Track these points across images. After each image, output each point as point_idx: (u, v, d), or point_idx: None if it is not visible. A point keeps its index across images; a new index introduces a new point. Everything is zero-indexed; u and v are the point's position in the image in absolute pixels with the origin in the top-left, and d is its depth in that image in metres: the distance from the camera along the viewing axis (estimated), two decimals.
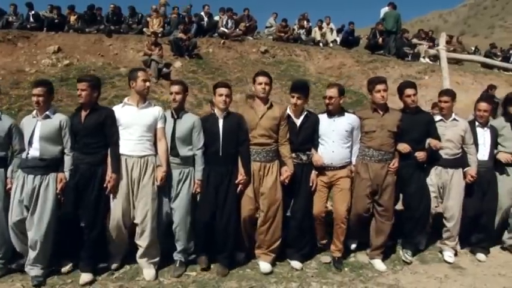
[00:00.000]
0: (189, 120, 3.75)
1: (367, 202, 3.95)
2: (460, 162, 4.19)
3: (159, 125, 3.70)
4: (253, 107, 3.85)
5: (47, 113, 3.56)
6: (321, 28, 14.09)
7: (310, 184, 3.90)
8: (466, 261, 4.26)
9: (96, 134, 3.56)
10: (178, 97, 3.75)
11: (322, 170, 3.92)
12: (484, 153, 4.29)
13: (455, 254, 4.27)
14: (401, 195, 4.25)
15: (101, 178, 3.54)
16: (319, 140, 3.95)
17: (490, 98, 5.78)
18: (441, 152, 4.11)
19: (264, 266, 3.83)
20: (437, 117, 4.28)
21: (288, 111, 3.93)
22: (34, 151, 3.50)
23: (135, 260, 3.75)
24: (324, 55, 12.86)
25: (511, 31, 62.23)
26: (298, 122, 3.91)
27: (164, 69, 9.82)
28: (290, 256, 4.00)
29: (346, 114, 3.98)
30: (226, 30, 12.50)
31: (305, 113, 3.94)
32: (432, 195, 4.11)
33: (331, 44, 13.97)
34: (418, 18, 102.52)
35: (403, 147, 3.94)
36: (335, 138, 3.89)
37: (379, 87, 3.90)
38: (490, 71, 13.10)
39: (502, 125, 4.42)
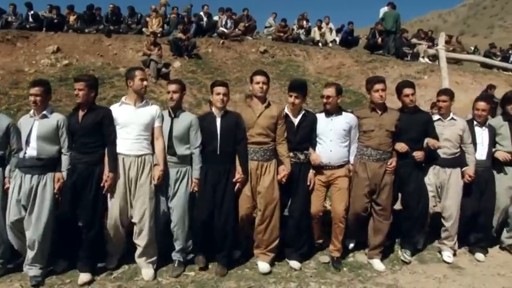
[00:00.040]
0: (186, 119, 3.75)
1: (365, 201, 3.95)
2: (458, 161, 4.19)
3: (157, 124, 3.70)
4: (251, 106, 3.85)
5: (44, 112, 3.55)
6: (320, 28, 14.09)
7: (308, 183, 3.90)
8: (464, 261, 4.26)
9: (93, 134, 3.56)
10: (176, 96, 3.75)
11: (320, 169, 3.92)
12: (482, 153, 4.29)
13: (454, 254, 4.27)
14: (399, 195, 4.25)
15: (99, 178, 3.54)
16: (317, 139, 3.95)
17: (488, 97, 5.78)
18: (439, 152, 4.10)
19: (263, 266, 3.82)
20: (436, 117, 4.28)
21: (286, 110, 3.93)
22: (31, 150, 3.49)
23: (133, 259, 3.75)
24: (323, 55, 12.85)
25: (511, 31, 62.32)
26: (296, 121, 3.91)
27: (163, 69, 9.82)
28: (289, 256, 3.99)
29: (343, 113, 3.99)
30: (225, 30, 12.50)
31: (303, 112, 3.94)
32: (430, 194, 4.10)
33: (330, 44, 13.97)
34: (417, 18, 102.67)
35: (401, 146, 3.94)
36: (333, 137, 3.89)
37: (378, 86, 3.91)
38: (490, 71, 13.10)
39: (500, 124, 4.42)
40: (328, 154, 3.89)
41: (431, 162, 4.15)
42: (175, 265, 3.77)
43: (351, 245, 4.28)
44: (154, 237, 3.70)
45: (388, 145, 3.92)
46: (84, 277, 3.52)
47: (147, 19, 12.37)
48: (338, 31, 14.93)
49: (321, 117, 3.99)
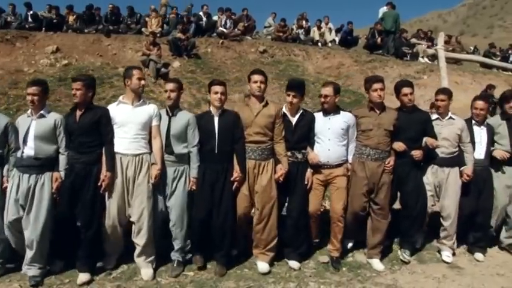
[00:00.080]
0: (183, 117, 3.75)
1: (363, 201, 3.95)
2: (456, 161, 4.18)
3: (154, 122, 3.70)
4: (248, 105, 3.85)
5: (42, 112, 3.55)
6: (319, 28, 14.10)
7: (306, 182, 3.89)
8: (464, 261, 4.25)
9: (91, 133, 3.55)
10: (173, 95, 3.75)
11: (318, 168, 3.92)
12: (480, 152, 4.28)
13: (453, 254, 4.26)
14: (398, 194, 4.24)
15: (96, 177, 3.53)
16: (315, 139, 3.94)
17: (486, 96, 5.77)
18: (437, 151, 4.10)
19: (262, 266, 3.82)
20: (434, 116, 4.28)
21: (284, 109, 3.93)
22: (29, 150, 3.49)
23: (132, 259, 3.74)
24: (323, 55, 12.86)
25: (510, 31, 62.34)
26: (294, 120, 3.90)
27: (163, 69, 9.83)
28: (288, 256, 3.99)
29: (341, 112, 3.99)
30: (224, 30, 12.51)
31: (301, 111, 3.94)
32: (428, 194, 4.10)
33: (329, 44, 13.98)
34: (417, 18, 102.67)
35: (398, 145, 3.93)
36: (331, 137, 3.89)
37: (376, 86, 3.90)
38: (489, 71, 13.12)
39: (498, 123, 4.42)
40: (326, 153, 3.88)
41: (430, 161, 4.14)
42: (175, 265, 3.77)
43: (350, 245, 4.28)
44: (152, 236, 3.69)
45: (387, 144, 3.92)
46: (83, 277, 3.52)
47: (147, 19, 12.39)
48: (337, 31, 14.94)
49: (319, 116, 3.99)
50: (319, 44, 13.74)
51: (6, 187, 3.56)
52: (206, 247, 3.84)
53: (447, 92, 4.30)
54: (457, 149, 4.19)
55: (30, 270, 3.51)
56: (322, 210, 4.12)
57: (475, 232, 4.33)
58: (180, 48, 10.99)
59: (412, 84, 4.15)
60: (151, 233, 3.66)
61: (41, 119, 3.54)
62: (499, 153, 4.28)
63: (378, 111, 3.94)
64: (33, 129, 3.50)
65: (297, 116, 3.91)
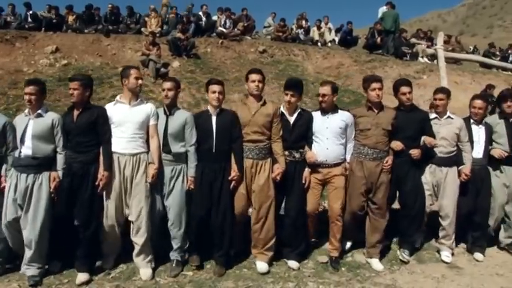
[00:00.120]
0: (181, 116, 3.74)
1: (361, 200, 3.94)
2: (454, 160, 4.18)
3: (152, 122, 3.70)
4: (246, 104, 3.84)
5: (39, 111, 3.55)
6: (319, 28, 14.09)
7: (303, 181, 3.89)
8: (463, 261, 4.24)
9: (88, 133, 3.55)
10: (171, 93, 3.74)
11: (316, 167, 3.92)
12: (478, 151, 4.28)
13: (453, 254, 4.26)
14: (397, 194, 4.24)
15: (94, 177, 3.53)
16: (314, 138, 3.94)
17: (485, 95, 5.77)
18: (436, 150, 4.09)
19: (261, 265, 3.82)
20: (432, 115, 4.27)
21: (282, 109, 3.93)
22: (26, 150, 3.48)
23: (131, 259, 3.74)
24: (322, 55, 12.85)
25: (510, 31, 62.33)
26: (292, 119, 3.90)
27: (162, 69, 9.82)
28: (286, 256, 3.98)
29: (339, 111, 3.98)
30: (224, 30, 12.50)
31: (298, 110, 3.93)
32: (427, 193, 4.09)
33: (329, 44, 13.97)
34: (417, 18, 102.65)
35: (396, 145, 3.93)
36: (329, 136, 3.89)
37: (375, 85, 3.90)
38: (489, 71, 13.11)
39: (496, 122, 4.41)
40: (324, 152, 3.88)
41: (428, 160, 4.14)
42: (174, 265, 3.76)
43: (348, 245, 4.27)
44: (150, 235, 3.68)
45: (385, 144, 3.91)
46: (82, 277, 3.52)
47: (146, 19, 12.37)
48: (337, 31, 14.94)
49: (317, 115, 3.99)
50: (319, 43, 13.73)
51: (4, 187, 3.56)
52: (203, 247, 3.83)
53: (445, 91, 4.30)
54: (455, 148, 4.18)
55: (29, 270, 3.51)
56: (320, 209, 4.11)
57: (474, 231, 4.33)
58: (180, 48, 10.99)
59: (410, 83, 4.15)
60: (150, 232, 3.66)
61: (39, 118, 3.54)
62: (497, 152, 4.27)
63: (376, 111, 3.94)
64: (30, 129, 3.50)
65: (295, 115, 3.91)
